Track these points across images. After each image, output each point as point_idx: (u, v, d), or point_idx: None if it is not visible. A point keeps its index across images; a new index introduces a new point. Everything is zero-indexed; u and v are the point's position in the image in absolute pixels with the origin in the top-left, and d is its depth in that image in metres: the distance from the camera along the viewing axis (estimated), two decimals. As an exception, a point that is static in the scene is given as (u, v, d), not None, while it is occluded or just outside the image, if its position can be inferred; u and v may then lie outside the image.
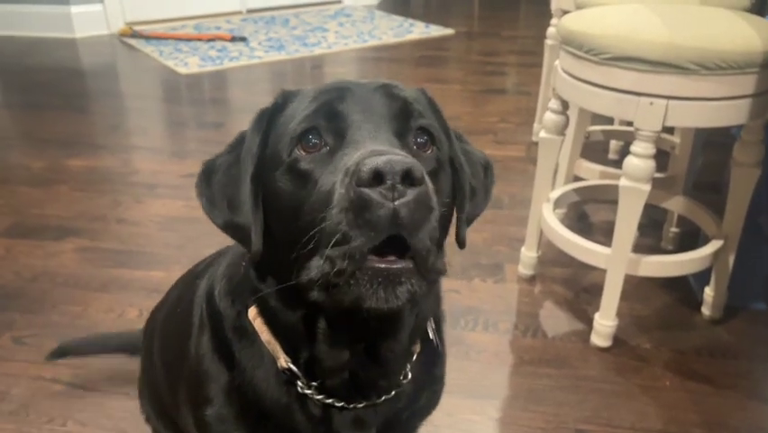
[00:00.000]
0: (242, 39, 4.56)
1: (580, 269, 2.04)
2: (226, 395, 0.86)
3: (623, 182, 1.58)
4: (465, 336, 1.79)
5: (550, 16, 2.76)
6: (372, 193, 0.59)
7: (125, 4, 4.79)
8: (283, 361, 0.81)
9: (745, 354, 1.74)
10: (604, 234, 2.22)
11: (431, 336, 0.91)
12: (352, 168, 0.61)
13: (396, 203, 0.59)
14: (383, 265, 0.62)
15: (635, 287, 1.96)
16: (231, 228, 0.78)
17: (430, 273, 0.65)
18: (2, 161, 2.85)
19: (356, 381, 0.81)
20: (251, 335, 0.83)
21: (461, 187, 0.82)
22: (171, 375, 1.06)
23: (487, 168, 0.90)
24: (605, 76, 1.52)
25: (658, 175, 1.58)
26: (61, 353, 1.56)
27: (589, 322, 1.80)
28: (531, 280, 2.05)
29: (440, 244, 0.71)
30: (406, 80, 0.88)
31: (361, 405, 0.83)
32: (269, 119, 0.79)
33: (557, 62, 1.74)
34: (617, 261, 1.67)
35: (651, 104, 1.47)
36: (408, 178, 0.60)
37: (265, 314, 0.82)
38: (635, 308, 1.90)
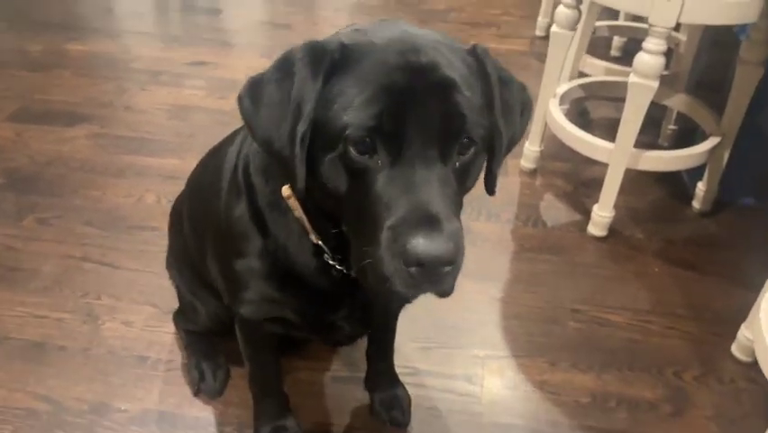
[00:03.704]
0: None
1: (580, 163, 2.12)
2: (259, 254, 0.96)
3: (632, 78, 1.63)
4: (470, 225, 1.89)
5: None
6: (415, 272, 0.71)
7: None
8: (314, 237, 0.91)
9: (730, 244, 1.87)
10: (603, 129, 2.28)
11: None
12: (400, 238, 0.70)
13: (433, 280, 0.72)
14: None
15: (631, 181, 2.04)
16: (280, 164, 0.80)
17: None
18: (-2, 43, 2.79)
19: None
20: (284, 210, 0.92)
21: (499, 149, 0.84)
22: (199, 232, 1.16)
23: (524, 108, 0.89)
24: (624, -30, 1.53)
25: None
26: None
27: (586, 213, 1.91)
28: (533, 173, 2.13)
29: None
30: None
31: None
32: (325, 74, 0.74)
33: (574, -46, 1.72)
34: (619, 155, 1.74)
35: None
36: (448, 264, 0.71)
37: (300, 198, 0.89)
38: (630, 200, 2.01)
